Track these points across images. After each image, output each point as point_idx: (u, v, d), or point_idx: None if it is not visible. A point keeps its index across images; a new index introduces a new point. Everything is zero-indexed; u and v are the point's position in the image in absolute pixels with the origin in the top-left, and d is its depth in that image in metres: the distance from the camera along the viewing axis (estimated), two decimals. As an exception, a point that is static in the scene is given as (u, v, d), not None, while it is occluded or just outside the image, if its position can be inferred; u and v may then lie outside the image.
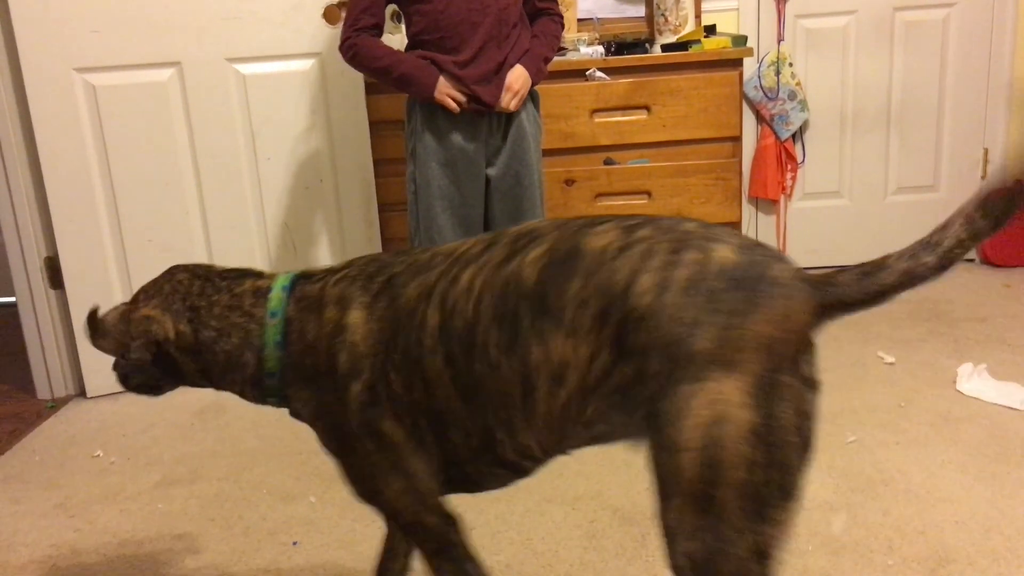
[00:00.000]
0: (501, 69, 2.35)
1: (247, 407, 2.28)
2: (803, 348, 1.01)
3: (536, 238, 1.13)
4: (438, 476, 1.25)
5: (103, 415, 2.78)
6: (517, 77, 2.36)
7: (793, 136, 3.57)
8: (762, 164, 3.57)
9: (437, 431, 1.21)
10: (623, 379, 1.04)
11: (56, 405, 2.90)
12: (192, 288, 1.33)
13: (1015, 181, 0.99)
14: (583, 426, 1.12)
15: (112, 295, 2.86)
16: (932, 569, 1.71)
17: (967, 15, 3.49)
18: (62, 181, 2.79)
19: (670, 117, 3.00)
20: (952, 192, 3.60)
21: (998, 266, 3.58)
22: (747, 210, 3.64)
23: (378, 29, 2.37)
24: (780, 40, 3.49)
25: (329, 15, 2.87)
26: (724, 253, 1.02)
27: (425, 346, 1.17)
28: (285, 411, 1.34)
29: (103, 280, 2.87)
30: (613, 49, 3.13)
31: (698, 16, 3.34)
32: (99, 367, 2.84)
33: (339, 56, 2.39)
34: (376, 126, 2.98)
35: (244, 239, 2.97)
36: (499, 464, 1.22)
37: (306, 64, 2.91)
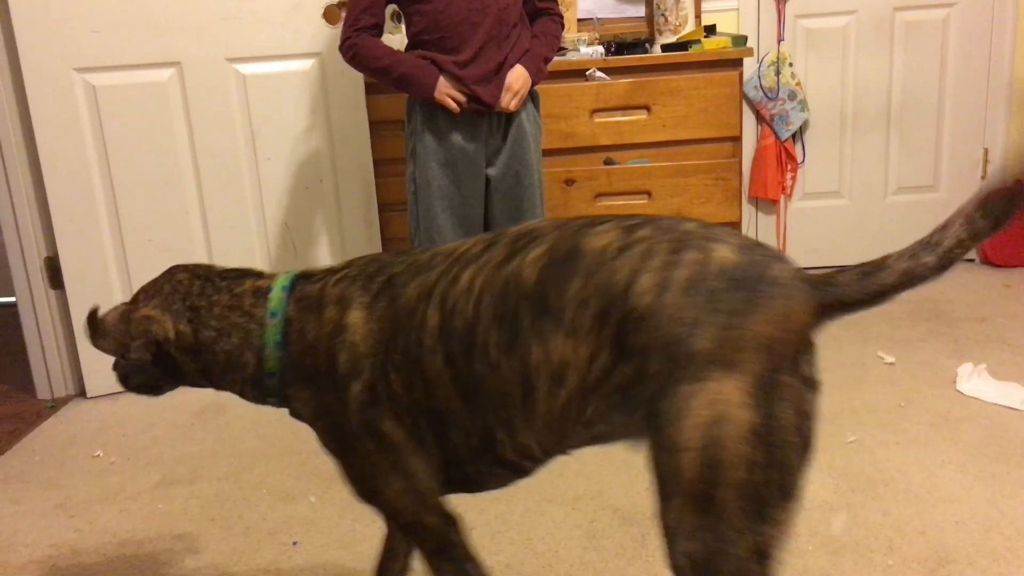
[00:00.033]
0: (501, 69, 2.35)
1: (247, 407, 2.28)
2: (803, 348, 1.01)
3: (536, 238, 1.13)
4: (438, 476, 1.25)
5: (103, 415, 2.78)
6: (517, 77, 2.36)
7: (793, 136, 3.57)
8: (762, 164, 3.57)
9: (437, 431, 1.21)
10: (623, 379, 1.04)
11: (56, 405, 2.90)
12: (192, 288, 1.33)
13: (1015, 181, 0.99)
14: (583, 426, 1.12)
15: (112, 295, 2.86)
16: (932, 569, 1.71)
17: (967, 15, 3.49)
18: (62, 181, 2.79)
19: (670, 117, 3.00)
20: (952, 192, 3.60)
21: (998, 266, 3.58)
22: (747, 210, 3.64)
23: (378, 29, 2.37)
24: (780, 40, 3.49)
25: (329, 15, 2.87)
26: (724, 253, 1.02)
27: (425, 346, 1.17)
28: (285, 411, 1.34)
29: (103, 280, 2.87)
30: (613, 49, 3.13)
31: (698, 16, 3.34)
32: (99, 367, 2.84)
33: (339, 56, 2.39)
34: (376, 126, 2.98)
35: (244, 239, 2.97)
36: (499, 464, 1.22)
37: (306, 64, 2.91)
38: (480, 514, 1.99)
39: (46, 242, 2.88)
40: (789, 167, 3.58)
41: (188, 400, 2.73)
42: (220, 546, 1.97)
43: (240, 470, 2.33)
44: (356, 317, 1.22)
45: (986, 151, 3.61)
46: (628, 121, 3.00)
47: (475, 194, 2.43)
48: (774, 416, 0.97)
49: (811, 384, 1.02)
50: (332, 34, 2.85)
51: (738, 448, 0.97)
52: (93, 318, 1.34)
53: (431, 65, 2.32)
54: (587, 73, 2.97)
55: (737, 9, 3.51)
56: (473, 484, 1.28)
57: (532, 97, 2.47)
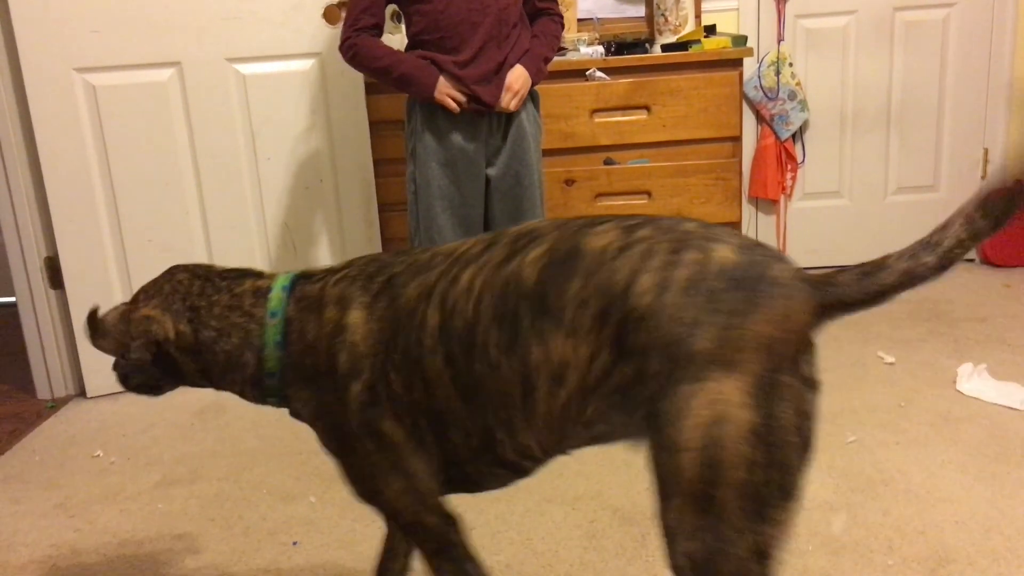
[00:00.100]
0: (501, 69, 2.35)
1: (247, 407, 2.28)
2: (803, 348, 1.01)
3: (536, 238, 1.13)
4: (438, 476, 1.25)
5: (103, 415, 2.78)
6: (517, 77, 2.36)
7: (793, 136, 3.57)
8: (762, 164, 3.57)
9: (437, 431, 1.21)
10: (623, 379, 1.04)
11: (56, 405, 2.90)
12: (192, 288, 1.33)
13: (1015, 181, 0.99)
14: (583, 426, 1.12)
15: (112, 295, 2.86)
16: (932, 569, 1.71)
17: (967, 15, 3.49)
18: (62, 181, 2.79)
19: (670, 117, 3.00)
20: (952, 192, 3.60)
21: (998, 266, 3.58)
22: (747, 210, 3.64)
23: (378, 29, 2.37)
24: (780, 40, 3.49)
25: (329, 15, 2.87)
26: (724, 253, 1.02)
27: (425, 346, 1.17)
28: (285, 411, 1.34)
29: (103, 280, 2.87)
30: (613, 49, 3.13)
31: (698, 16, 3.34)
32: (99, 367, 2.84)
33: (339, 56, 2.39)
34: (376, 126, 2.98)
35: (244, 239, 2.97)
36: (499, 464, 1.22)
37: (306, 64, 2.91)
38: (480, 514, 1.99)
39: (46, 242, 2.88)
40: (789, 167, 3.58)
41: (188, 400, 2.73)
42: (220, 546, 1.97)
43: (240, 470, 2.33)
44: (356, 317, 1.22)
45: (986, 151, 3.60)
46: (628, 121, 3.00)
47: (475, 194, 2.43)
48: (774, 416, 0.97)
49: (811, 384, 1.02)
50: (332, 34, 2.85)
51: (738, 448, 0.97)
52: (93, 318, 1.34)
53: (431, 65, 2.32)
54: (587, 73, 2.97)
55: (737, 9, 3.51)
56: (473, 484, 1.28)
57: (532, 97, 2.47)
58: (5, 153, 2.79)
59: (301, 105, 2.93)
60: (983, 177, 3.61)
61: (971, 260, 3.65)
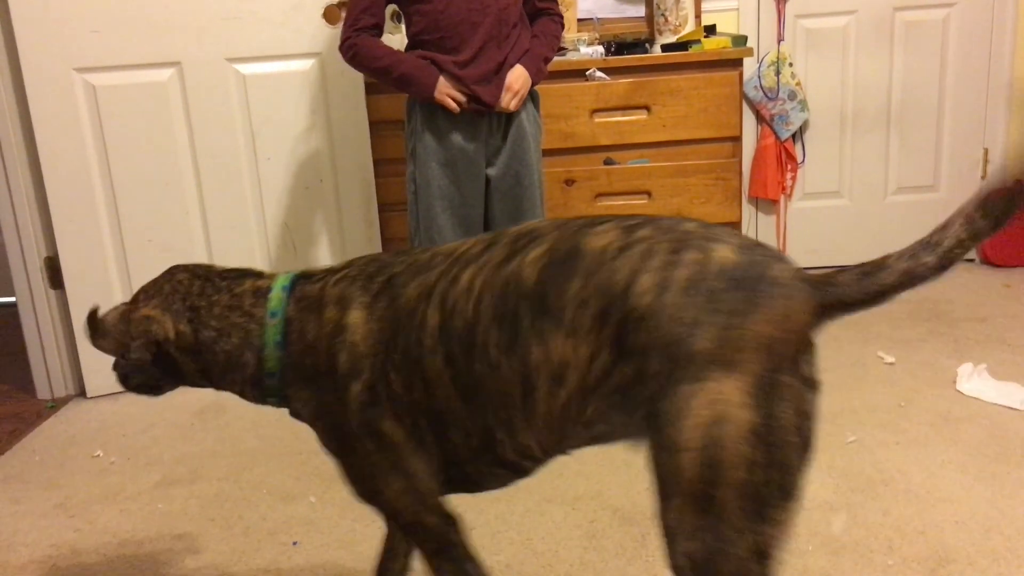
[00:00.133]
0: (501, 69, 2.35)
1: (247, 407, 2.28)
2: (803, 348, 1.01)
3: (536, 238, 1.13)
4: (438, 476, 1.25)
5: (103, 415, 2.78)
6: (517, 77, 2.36)
7: (793, 136, 3.57)
8: (762, 164, 3.57)
9: (437, 431, 1.21)
10: (623, 379, 1.04)
11: (56, 405, 2.90)
12: (192, 288, 1.33)
13: (1015, 181, 0.99)
14: (583, 426, 1.12)
15: (112, 295, 2.86)
16: (932, 569, 1.71)
17: (967, 15, 3.49)
18: (62, 181, 2.79)
19: (670, 117, 3.00)
20: (952, 192, 3.60)
21: (998, 266, 3.58)
22: (747, 210, 3.64)
23: (378, 29, 2.37)
24: (780, 40, 3.49)
25: (329, 15, 2.87)
26: (724, 253, 1.02)
27: (425, 346, 1.17)
28: (285, 411, 1.34)
29: (103, 280, 2.87)
30: (613, 49, 3.13)
31: (698, 16, 3.34)
32: (99, 367, 2.84)
33: (339, 56, 2.39)
34: (376, 126, 2.98)
35: (244, 239, 2.97)
36: (499, 464, 1.22)
37: (306, 64, 2.91)
38: (480, 514, 1.99)
39: (46, 242, 2.88)
40: (789, 167, 3.58)
41: (188, 400, 2.73)
42: (220, 546, 1.97)
43: (240, 470, 2.33)
44: (356, 317, 1.22)
45: (986, 151, 3.60)
46: (628, 121, 3.00)
47: (475, 194, 2.43)
48: (774, 416, 0.97)
49: (811, 384, 1.02)
50: (332, 34, 2.85)
51: (738, 448, 0.97)
52: (93, 318, 1.34)
53: (431, 65, 2.32)
54: (587, 73, 2.97)
55: (737, 9, 3.51)
56: (473, 484, 1.28)
57: (532, 97, 2.47)
58: (5, 153, 2.79)
59: (301, 105, 2.93)
60: (983, 177, 3.61)
61: (971, 260, 3.65)
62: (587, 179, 2.99)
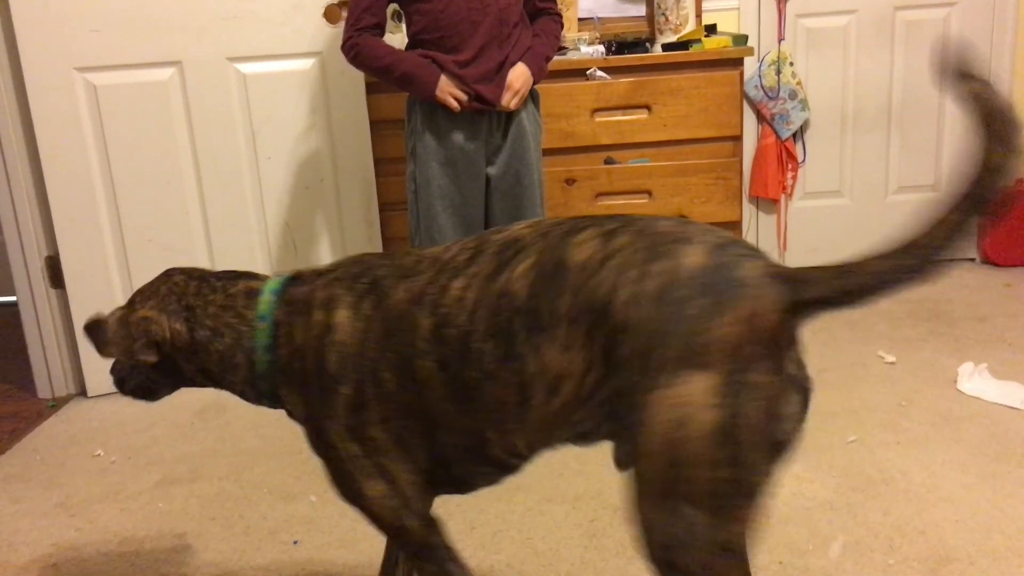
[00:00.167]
0: (502, 68, 2.35)
1: (247, 407, 2.28)
2: (781, 345, 1.01)
3: (522, 249, 1.15)
4: (424, 478, 1.26)
5: (103, 414, 2.78)
6: (518, 76, 2.36)
7: (794, 135, 3.56)
8: (763, 163, 3.57)
9: (425, 432, 1.21)
10: (611, 390, 1.07)
11: (57, 404, 2.90)
12: (188, 288, 1.34)
13: (994, 183, 0.97)
14: (571, 426, 1.15)
15: (112, 294, 2.87)
16: (933, 569, 1.71)
17: (967, 15, 3.49)
18: (63, 180, 2.79)
19: (671, 116, 3.00)
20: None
21: (998, 266, 3.58)
22: (748, 209, 3.64)
23: (380, 28, 2.37)
24: (781, 39, 3.49)
25: (330, 14, 2.86)
26: (693, 258, 1.03)
27: (417, 348, 1.18)
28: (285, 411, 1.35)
29: (103, 279, 2.87)
30: (614, 48, 3.13)
31: (699, 15, 3.34)
32: (99, 366, 2.84)
33: (339, 55, 2.39)
34: (376, 125, 2.98)
35: (244, 238, 2.97)
36: (487, 462, 1.23)
37: (306, 63, 2.91)
38: (480, 513, 1.99)
39: (47, 241, 2.88)
40: (790, 166, 3.58)
41: (188, 400, 2.73)
42: (220, 545, 1.97)
43: (241, 469, 2.33)
44: (342, 316, 1.23)
45: (987, 150, 3.60)
46: (629, 120, 3.00)
47: (475, 193, 2.43)
48: (741, 415, 0.98)
49: (794, 381, 1.03)
50: (332, 33, 2.85)
51: (701, 447, 0.98)
52: (94, 328, 1.34)
53: (432, 64, 2.32)
54: (588, 72, 2.97)
55: (738, 8, 3.50)
56: (463, 484, 1.30)
57: (532, 96, 2.47)
58: (6, 152, 2.79)
59: (301, 104, 2.93)
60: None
61: (971, 260, 3.65)
62: (587, 178, 2.99)
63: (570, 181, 2.99)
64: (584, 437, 1.17)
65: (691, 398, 0.98)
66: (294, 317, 1.27)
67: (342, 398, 1.22)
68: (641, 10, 3.43)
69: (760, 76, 3.49)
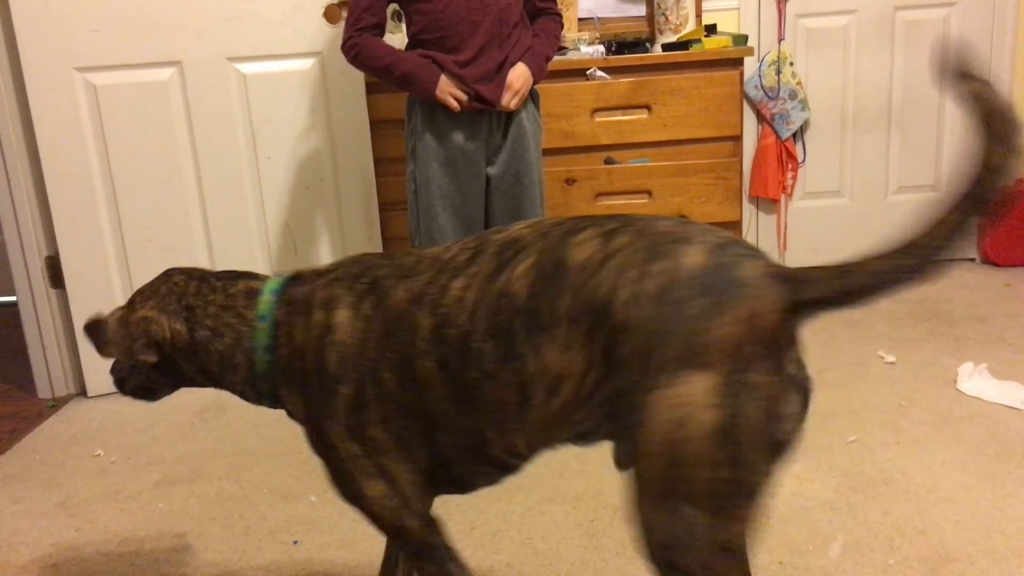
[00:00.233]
0: (502, 68, 2.35)
1: (247, 407, 2.28)
2: (781, 345, 1.01)
3: (521, 249, 1.15)
4: (424, 478, 1.26)
5: (103, 414, 2.78)
6: (518, 76, 2.36)
7: (794, 135, 3.57)
8: (763, 163, 3.57)
9: (425, 431, 1.21)
10: (611, 390, 1.07)
11: (57, 404, 2.90)
12: (188, 288, 1.34)
13: (993, 183, 0.97)
14: (572, 426, 1.15)
15: (112, 294, 2.87)
16: (933, 568, 1.71)
17: (967, 15, 3.49)
18: (63, 180, 2.79)
19: (671, 116, 3.00)
20: (953, 191, 3.60)
21: (998, 266, 3.58)
22: (748, 209, 3.64)
23: (380, 28, 2.37)
24: (781, 39, 3.49)
25: (330, 14, 2.87)
26: (693, 258, 1.03)
27: (417, 348, 1.18)
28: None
29: (104, 279, 2.87)
30: (614, 48, 3.13)
31: (699, 15, 3.34)
32: (99, 366, 2.84)
33: (339, 55, 2.39)
34: (376, 125, 2.98)
35: (244, 238, 2.97)
36: (487, 462, 1.24)
37: (306, 63, 2.91)
38: (480, 513, 1.99)
39: (47, 241, 2.88)
40: (790, 166, 3.58)
41: (188, 400, 2.73)
42: (221, 545, 1.97)
43: (241, 469, 2.33)
44: (342, 316, 1.23)
45: (987, 150, 3.60)
46: (629, 120, 3.00)
47: (475, 193, 2.43)
48: (741, 415, 0.98)
49: (795, 381, 1.03)
50: (332, 33, 2.85)
51: (700, 447, 0.98)
52: (94, 329, 1.34)
53: (433, 64, 2.32)
54: (588, 72, 2.97)
55: (738, 8, 3.51)
56: (463, 484, 1.30)
57: (532, 96, 2.47)
58: (6, 152, 2.79)
59: (301, 104, 2.93)
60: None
61: (971, 260, 3.65)
62: (588, 178, 2.99)
63: (570, 181, 2.99)
64: (584, 437, 1.17)
65: (691, 398, 0.98)
66: (294, 317, 1.27)
67: (342, 398, 1.22)
68: (641, 10, 3.43)
69: (760, 76, 3.49)
